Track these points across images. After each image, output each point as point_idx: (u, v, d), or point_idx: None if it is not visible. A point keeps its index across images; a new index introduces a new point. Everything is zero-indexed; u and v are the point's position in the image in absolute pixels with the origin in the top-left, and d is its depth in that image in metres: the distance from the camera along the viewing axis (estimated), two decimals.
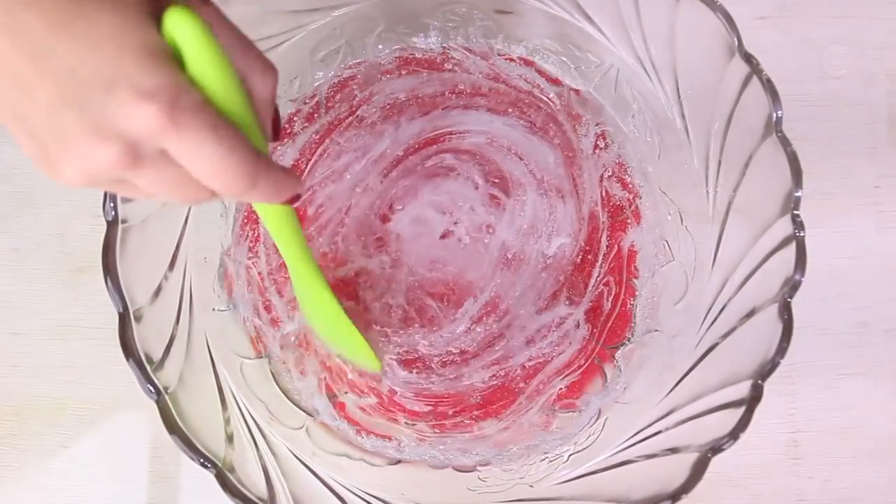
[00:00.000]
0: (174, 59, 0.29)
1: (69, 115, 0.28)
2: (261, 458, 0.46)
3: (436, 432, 0.54)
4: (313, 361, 0.55)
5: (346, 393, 0.54)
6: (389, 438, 0.53)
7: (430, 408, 0.54)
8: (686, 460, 0.43)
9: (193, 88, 0.29)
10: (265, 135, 0.34)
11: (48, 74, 0.28)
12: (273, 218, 0.40)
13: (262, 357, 0.54)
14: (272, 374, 0.54)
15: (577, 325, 0.55)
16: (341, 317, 0.49)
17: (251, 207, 0.55)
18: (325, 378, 0.55)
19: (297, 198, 0.37)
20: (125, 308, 0.43)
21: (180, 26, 0.29)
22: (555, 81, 0.58)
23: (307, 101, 0.57)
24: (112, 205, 0.44)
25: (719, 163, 0.50)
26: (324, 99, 0.58)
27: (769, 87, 0.45)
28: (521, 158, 0.57)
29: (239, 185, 0.31)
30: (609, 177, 0.57)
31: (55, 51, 0.28)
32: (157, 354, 0.44)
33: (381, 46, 0.58)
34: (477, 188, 0.56)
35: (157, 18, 0.30)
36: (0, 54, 0.28)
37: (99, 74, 0.28)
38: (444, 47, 0.58)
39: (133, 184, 0.31)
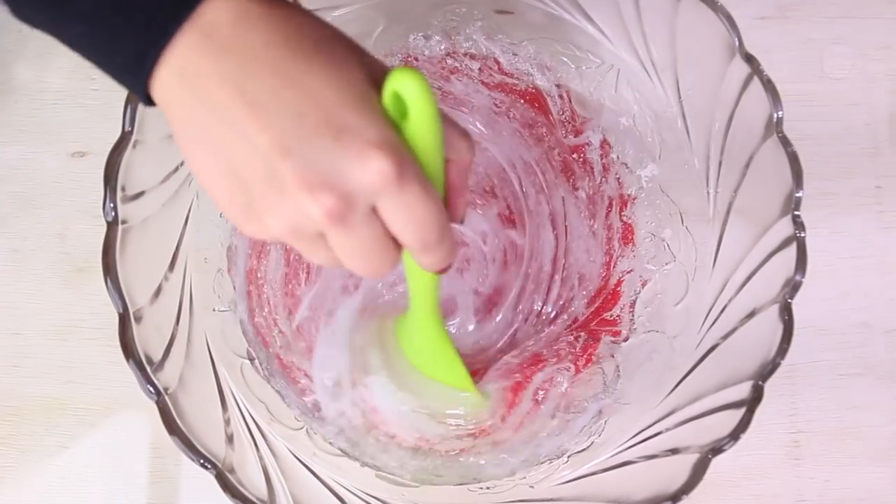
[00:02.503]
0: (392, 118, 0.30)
1: (290, 163, 0.28)
2: (261, 458, 0.46)
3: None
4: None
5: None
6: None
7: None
8: (687, 461, 0.43)
9: (410, 147, 0.30)
10: (452, 209, 0.35)
11: (273, 123, 0.28)
12: (423, 280, 0.42)
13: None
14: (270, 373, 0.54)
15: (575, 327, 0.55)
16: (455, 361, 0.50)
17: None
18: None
19: (449, 268, 0.37)
20: (125, 308, 0.43)
21: (409, 83, 0.29)
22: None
23: None
24: (112, 205, 0.44)
25: (720, 163, 0.50)
26: None
27: (770, 87, 0.45)
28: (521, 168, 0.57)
29: (432, 238, 0.32)
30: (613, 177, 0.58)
31: (281, 98, 0.28)
32: (157, 355, 0.44)
33: (381, 46, 0.58)
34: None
35: (374, 85, 0.30)
36: (222, 103, 0.28)
37: (327, 122, 0.28)
38: (448, 52, 0.58)
39: (328, 243, 0.31)
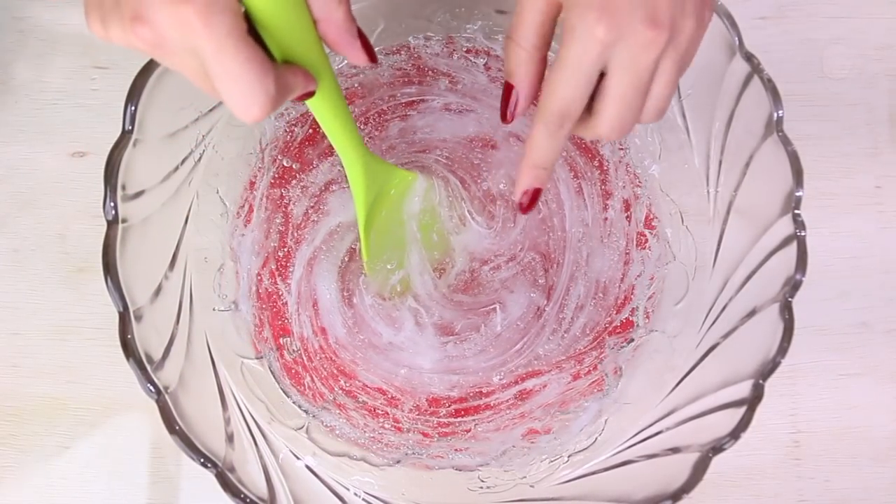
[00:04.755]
0: None
1: (107, 2, 0.32)
2: (261, 457, 0.46)
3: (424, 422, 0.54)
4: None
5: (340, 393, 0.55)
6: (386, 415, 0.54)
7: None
8: (687, 460, 0.43)
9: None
10: (354, 59, 0.37)
11: None
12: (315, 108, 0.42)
13: (262, 357, 0.54)
14: (272, 374, 0.54)
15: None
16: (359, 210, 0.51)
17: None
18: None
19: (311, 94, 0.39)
20: (125, 308, 0.43)
21: None
22: None
23: None
24: (112, 204, 0.44)
25: (720, 162, 0.50)
26: None
27: (770, 86, 0.45)
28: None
29: (250, 112, 0.33)
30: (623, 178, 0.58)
31: None
32: (157, 354, 0.44)
33: (380, 47, 0.58)
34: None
35: None
36: None
37: None
38: (449, 48, 0.58)
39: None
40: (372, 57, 0.39)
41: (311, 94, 0.38)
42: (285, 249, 0.56)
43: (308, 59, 0.37)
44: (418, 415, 0.54)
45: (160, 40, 0.32)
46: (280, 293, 0.55)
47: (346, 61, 0.58)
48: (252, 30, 0.34)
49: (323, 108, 0.41)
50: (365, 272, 0.54)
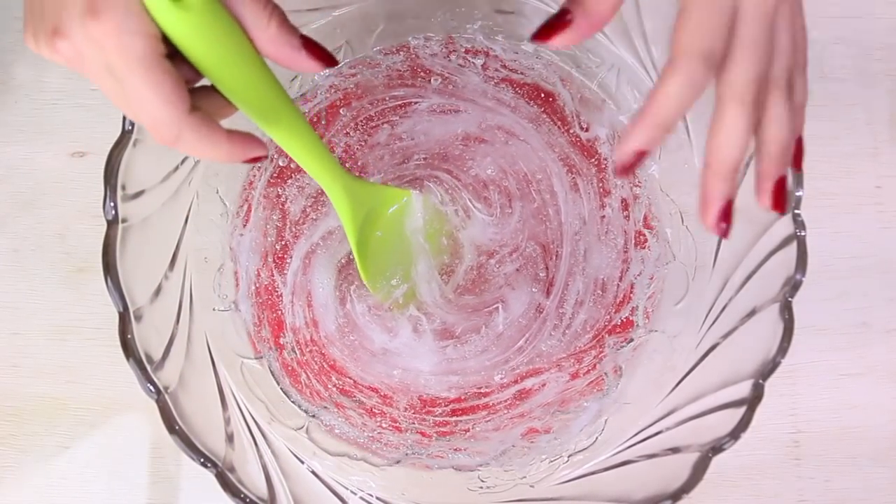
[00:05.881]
0: None
1: (36, 15, 0.33)
2: (261, 457, 0.46)
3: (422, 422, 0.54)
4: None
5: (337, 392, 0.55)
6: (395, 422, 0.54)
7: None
8: (687, 460, 0.43)
9: (142, 14, 0.31)
10: (308, 67, 0.35)
11: None
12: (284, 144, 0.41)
13: (261, 357, 0.54)
14: (272, 374, 0.54)
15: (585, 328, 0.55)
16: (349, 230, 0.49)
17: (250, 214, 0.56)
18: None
19: (256, 159, 0.37)
20: (125, 308, 0.43)
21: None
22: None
23: (308, 100, 0.58)
24: (112, 204, 0.44)
25: None
26: (324, 110, 0.58)
27: None
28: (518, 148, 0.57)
29: (159, 134, 0.33)
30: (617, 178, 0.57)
31: None
32: (157, 354, 0.44)
33: (380, 47, 0.58)
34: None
35: None
36: None
37: None
38: (448, 49, 0.58)
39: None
40: (327, 61, 0.36)
41: (261, 158, 0.37)
42: (282, 243, 0.56)
43: (251, 86, 0.35)
44: (414, 413, 0.54)
45: (78, 56, 0.32)
46: (276, 285, 0.55)
47: (345, 62, 0.58)
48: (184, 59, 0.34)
49: (288, 141, 0.40)
50: (369, 289, 0.54)
